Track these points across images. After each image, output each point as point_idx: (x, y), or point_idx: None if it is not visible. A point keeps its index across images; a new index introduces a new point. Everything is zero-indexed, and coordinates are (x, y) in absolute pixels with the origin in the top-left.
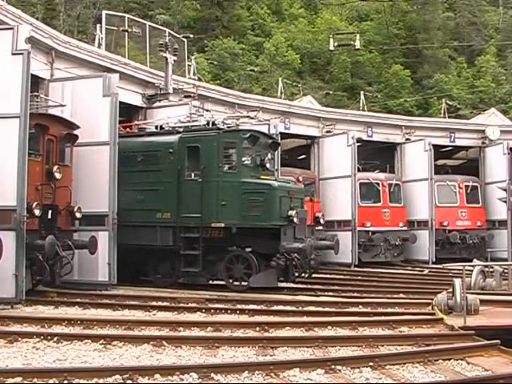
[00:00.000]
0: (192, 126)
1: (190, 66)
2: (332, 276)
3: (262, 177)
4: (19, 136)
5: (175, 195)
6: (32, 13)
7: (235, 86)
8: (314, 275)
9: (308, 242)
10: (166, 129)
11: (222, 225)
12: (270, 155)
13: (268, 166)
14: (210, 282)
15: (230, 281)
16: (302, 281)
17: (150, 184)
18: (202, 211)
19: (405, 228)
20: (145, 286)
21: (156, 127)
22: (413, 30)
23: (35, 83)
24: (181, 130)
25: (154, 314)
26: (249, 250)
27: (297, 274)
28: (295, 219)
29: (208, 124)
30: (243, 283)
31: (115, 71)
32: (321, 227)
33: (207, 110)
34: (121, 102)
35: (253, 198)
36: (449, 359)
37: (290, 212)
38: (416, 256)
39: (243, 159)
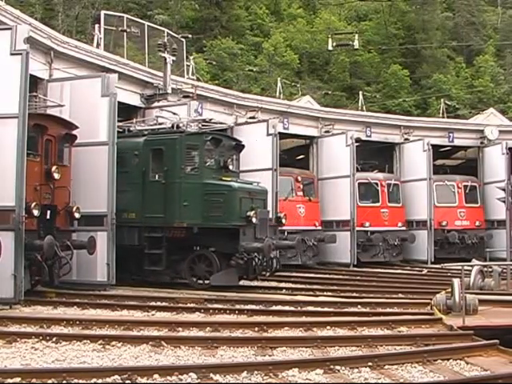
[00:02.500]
0: (158, 128)
1: (188, 66)
2: (331, 276)
3: (224, 178)
4: (18, 136)
5: (140, 196)
6: (31, 13)
7: (234, 86)
8: (313, 275)
9: (266, 241)
10: (133, 131)
11: (184, 225)
12: (234, 157)
13: (231, 167)
14: (174, 280)
15: (194, 279)
16: (301, 281)
17: (118, 185)
18: (165, 212)
19: (404, 228)
20: (144, 287)
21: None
22: (411, 29)
23: (34, 83)
24: (146, 132)
25: (153, 315)
26: (212, 249)
27: (257, 273)
28: (254, 219)
29: (173, 127)
30: (205, 282)
31: (114, 71)
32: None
33: (173, 114)
34: (119, 102)
35: (214, 199)
36: (448, 359)
37: (249, 212)
38: (415, 256)
39: (205, 161)
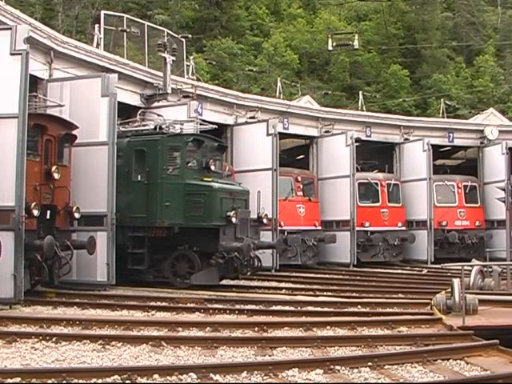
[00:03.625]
0: (142, 130)
1: (188, 66)
2: (331, 276)
3: (205, 179)
4: (18, 136)
5: (124, 196)
6: (30, 13)
7: (234, 86)
8: (313, 275)
9: (245, 241)
10: (118, 133)
11: (166, 225)
12: (217, 158)
13: (213, 168)
14: (157, 279)
15: (176, 278)
16: (301, 281)
17: None
18: (147, 212)
19: (403, 228)
20: (143, 287)
21: None
22: (411, 29)
23: (34, 83)
24: (130, 134)
25: (153, 315)
26: (194, 249)
27: (238, 272)
28: (234, 219)
29: (155, 128)
30: (186, 281)
31: (114, 71)
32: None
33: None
34: (119, 102)
35: (195, 199)
36: (448, 359)
37: (229, 212)
38: (415, 256)
39: (187, 162)
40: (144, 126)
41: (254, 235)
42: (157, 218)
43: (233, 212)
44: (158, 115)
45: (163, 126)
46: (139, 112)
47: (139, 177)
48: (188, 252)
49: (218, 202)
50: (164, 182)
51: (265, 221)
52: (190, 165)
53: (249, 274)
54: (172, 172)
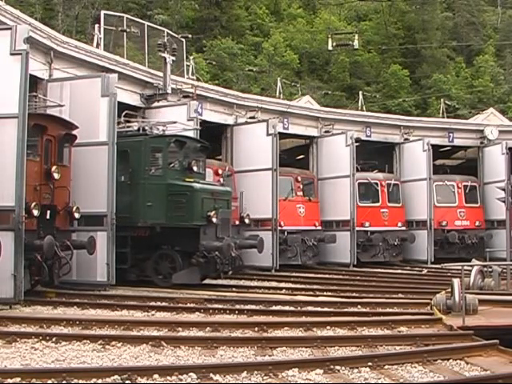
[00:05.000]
0: (125, 131)
1: (188, 66)
2: (331, 276)
3: (187, 179)
4: (18, 136)
5: None
6: (30, 13)
7: (234, 86)
8: (313, 275)
9: (225, 241)
10: None
11: (148, 224)
12: (200, 159)
13: (195, 168)
14: (140, 278)
15: (158, 277)
16: (301, 281)
17: None
18: (130, 211)
19: (403, 228)
20: (143, 287)
21: None
22: (411, 29)
23: (34, 83)
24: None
25: (153, 315)
26: (176, 248)
27: (220, 271)
28: (214, 219)
29: (139, 130)
30: (168, 280)
31: (114, 71)
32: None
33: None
34: (119, 102)
35: (176, 199)
36: (448, 359)
37: (210, 212)
38: (415, 256)
39: (169, 163)
40: (128, 127)
41: (236, 235)
42: (140, 218)
43: (213, 212)
44: (143, 117)
45: (146, 128)
46: (123, 114)
47: (123, 177)
48: (170, 251)
49: (199, 202)
50: (146, 182)
51: (246, 221)
52: (172, 165)
53: (230, 273)
54: (154, 173)
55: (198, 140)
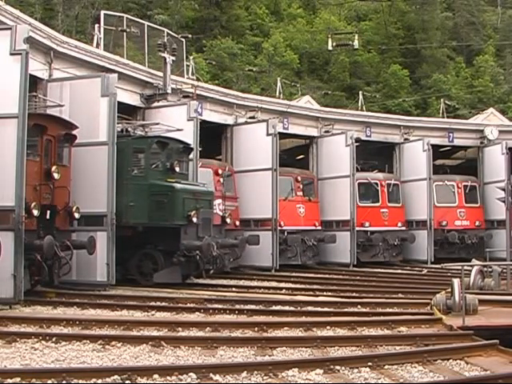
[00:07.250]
0: None
1: (188, 66)
2: (331, 276)
3: (169, 180)
4: (17, 136)
5: None
6: (30, 13)
7: (234, 86)
8: (313, 275)
9: (205, 240)
10: None
11: (131, 224)
12: (183, 159)
13: (177, 169)
14: (124, 277)
15: (141, 276)
16: (301, 281)
17: None
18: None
19: (403, 228)
20: (143, 287)
21: None
22: (411, 29)
23: (34, 83)
24: None
25: (153, 315)
26: (160, 248)
27: (201, 270)
28: (195, 219)
29: (122, 131)
30: (150, 279)
31: (114, 71)
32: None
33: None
34: (119, 102)
35: (158, 200)
36: (447, 359)
37: (190, 212)
38: (415, 256)
39: (152, 163)
40: None
41: (218, 234)
42: (122, 218)
43: (194, 212)
44: (128, 119)
45: (129, 129)
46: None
47: None
48: (152, 251)
49: (180, 201)
50: (129, 182)
51: (228, 220)
52: (154, 166)
53: (211, 272)
54: (137, 173)
55: (181, 141)
